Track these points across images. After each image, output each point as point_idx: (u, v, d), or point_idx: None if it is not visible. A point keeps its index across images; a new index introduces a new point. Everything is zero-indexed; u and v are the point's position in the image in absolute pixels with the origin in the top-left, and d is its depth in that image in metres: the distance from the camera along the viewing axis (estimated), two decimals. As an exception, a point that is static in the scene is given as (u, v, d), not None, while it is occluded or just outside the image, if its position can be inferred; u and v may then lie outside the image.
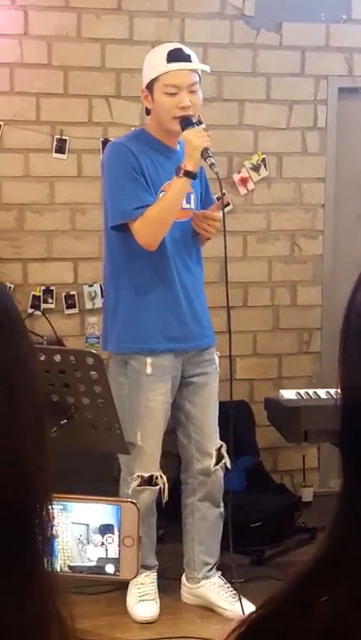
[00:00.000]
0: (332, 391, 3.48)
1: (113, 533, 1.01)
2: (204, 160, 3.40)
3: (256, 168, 4.85)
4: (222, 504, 3.72)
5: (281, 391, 4.07)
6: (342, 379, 0.76)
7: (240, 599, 3.57)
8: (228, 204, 3.54)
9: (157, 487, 3.56)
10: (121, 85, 4.66)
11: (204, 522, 3.69)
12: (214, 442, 3.66)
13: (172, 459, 3.93)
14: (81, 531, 0.96)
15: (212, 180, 3.64)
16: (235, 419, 4.64)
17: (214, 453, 3.64)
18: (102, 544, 0.99)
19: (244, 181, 4.83)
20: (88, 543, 1.00)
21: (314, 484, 4.84)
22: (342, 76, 4.91)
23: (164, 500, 3.59)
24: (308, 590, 0.72)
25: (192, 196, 3.59)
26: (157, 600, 3.63)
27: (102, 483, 3.98)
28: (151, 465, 3.56)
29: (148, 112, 3.55)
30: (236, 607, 3.57)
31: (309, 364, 4.98)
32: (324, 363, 4.95)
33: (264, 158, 4.85)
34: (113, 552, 1.01)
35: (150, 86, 3.43)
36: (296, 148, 4.90)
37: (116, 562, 1.03)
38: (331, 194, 4.96)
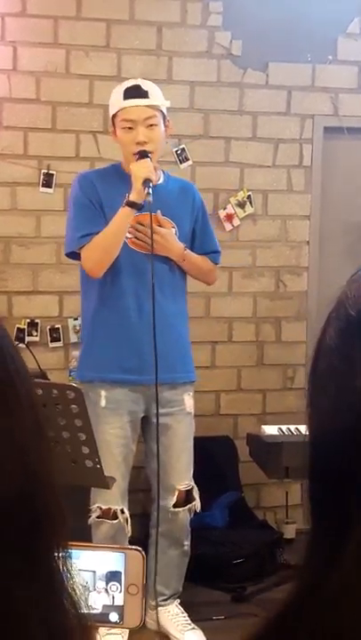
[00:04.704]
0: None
1: (120, 580, 1.00)
2: (144, 189, 3.35)
3: (242, 205, 4.88)
4: (187, 543, 3.69)
5: (263, 427, 4.08)
6: (310, 422, 0.73)
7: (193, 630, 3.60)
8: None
9: (116, 521, 3.50)
10: (108, 121, 4.66)
11: (163, 555, 3.65)
12: (179, 481, 3.61)
13: (146, 493, 3.92)
14: (87, 578, 0.96)
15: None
16: (218, 454, 4.68)
17: (177, 492, 3.59)
18: (106, 591, 0.99)
19: (229, 217, 4.86)
20: (94, 590, 0.99)
21: (297, 520, 4.82)
22: (328, 116, 4.97)
23: (127, 535, 3.54)
24: (276, 637, 0.71)
25: (173, 230, 3.60)
26: None
27: (76, 515, 3.94)
28: (110, 498, 3.47)
29: None
30: (187, 637, 3.61)
31: (294, 400, 4.99)
32: (308, 399, 4.95)
33: (250, 195, 4.88)
34: (119, 600, 1.00)
35: (113, 122, 3.57)
36: (282, 186, 4.94)
37: (120, 609, 1.02)
38: (316, 231, 5.00)
